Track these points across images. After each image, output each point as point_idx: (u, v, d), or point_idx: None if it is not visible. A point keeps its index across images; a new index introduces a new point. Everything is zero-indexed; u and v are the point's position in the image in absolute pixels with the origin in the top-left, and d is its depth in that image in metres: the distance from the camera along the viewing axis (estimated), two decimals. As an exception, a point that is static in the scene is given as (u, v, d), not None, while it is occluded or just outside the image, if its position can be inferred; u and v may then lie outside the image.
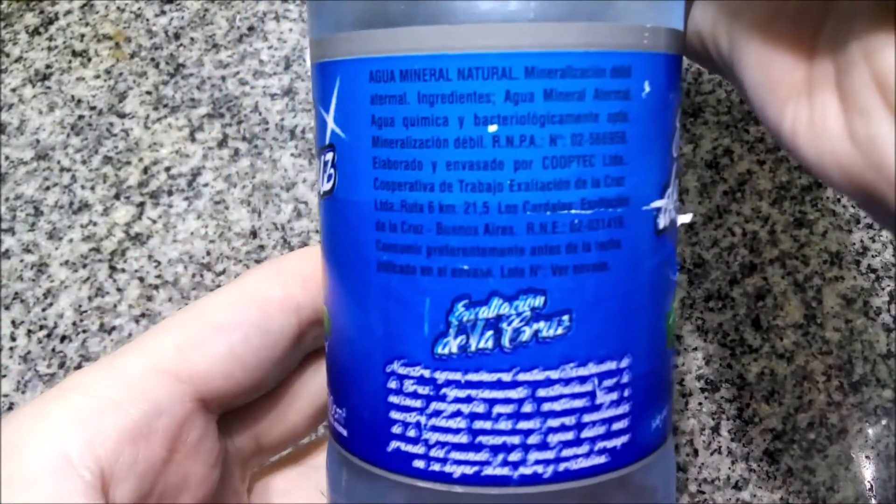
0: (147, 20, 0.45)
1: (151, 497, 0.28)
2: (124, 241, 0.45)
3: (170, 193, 0.45)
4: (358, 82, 0.26)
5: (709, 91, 0.47)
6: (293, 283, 0.31)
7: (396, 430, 0.27)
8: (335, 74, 0.27)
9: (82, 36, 0.45)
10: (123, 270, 0.45)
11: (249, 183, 0.45)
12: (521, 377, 0.26)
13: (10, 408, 0.45)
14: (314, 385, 0.34)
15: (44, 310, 0.45)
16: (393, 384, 0.27)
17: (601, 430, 0.27)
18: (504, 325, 0.26)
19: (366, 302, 0.27)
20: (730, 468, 0.46)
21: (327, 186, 0.28)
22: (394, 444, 0.27)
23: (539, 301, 0.26)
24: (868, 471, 0.46)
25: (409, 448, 0.27)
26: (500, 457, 0.26)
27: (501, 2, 0.25)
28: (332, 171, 0.28)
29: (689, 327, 0.46)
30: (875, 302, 0.46)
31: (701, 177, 0.46)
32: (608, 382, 0.27)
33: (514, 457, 0.26)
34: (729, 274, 0.46)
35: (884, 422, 0.46)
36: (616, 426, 0.27)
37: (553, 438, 0.26)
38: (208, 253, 0.45)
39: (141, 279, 0.45)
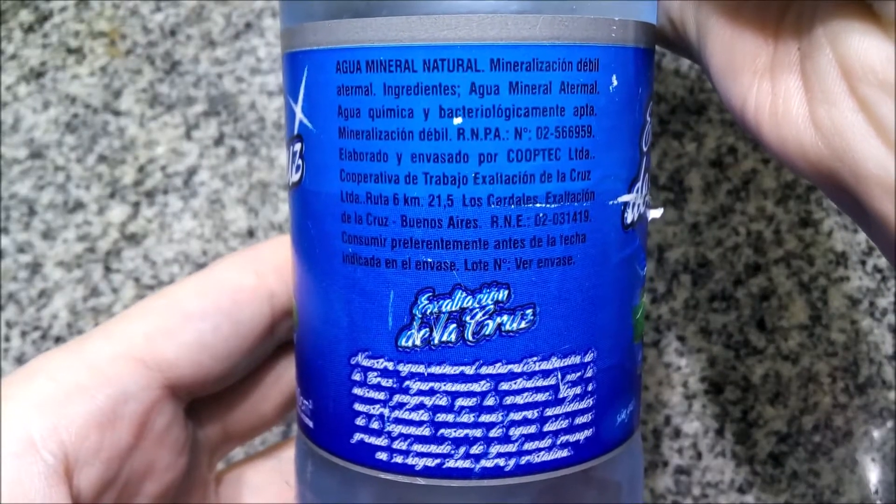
0: (143, 17, 0.45)
1: (116, 483, 0.28)
2: (119, 240, 0.45)
3: (165, 192, 0.45)
4: (325, 73, 0.26)
5: (713, 88, 0.46)
6: (267, 271, 0.31)
7: (360, 422, 0.27)
8: (303, 65, 0.27)
9: (77, 33, 0.45)
10: (118, 271, 0.45)
11: (246, 182, 0.45)
12: (484, 370, 0.26)
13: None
14: (286, 375, 0.34)
15: (38, 310, 0.45)
16: (357, 376, 0.27)
17: (564, 423, 0.27)
18: (467, 318, 0.26)
19: (331, 294, 0.27)
20: (734, 471, 0.46)
21: (295, 177, 0.28)
22: (357, 436, 0.28)
23: (503, 294, 0.26)
24: (873, 474, 0.45)
25: (373, 440, 0.27)
26: (462, 449, 0.27)
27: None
28: (300, 161, 0.28)
29: (693, 328, 0.46)
30: (881, 303, 0.46)
31: (705, 175, 0.45)
32: (572, 377, 0.27)
33: (476, 450, 0.27)
34: (733, 274, 0.45)
35: (889, 424, 0.45)
36: (579, 420, 0.27)
37: (515, 432, 0.26)
38: (204, 253, 0.45)
39: (136, 279, 0.45)
